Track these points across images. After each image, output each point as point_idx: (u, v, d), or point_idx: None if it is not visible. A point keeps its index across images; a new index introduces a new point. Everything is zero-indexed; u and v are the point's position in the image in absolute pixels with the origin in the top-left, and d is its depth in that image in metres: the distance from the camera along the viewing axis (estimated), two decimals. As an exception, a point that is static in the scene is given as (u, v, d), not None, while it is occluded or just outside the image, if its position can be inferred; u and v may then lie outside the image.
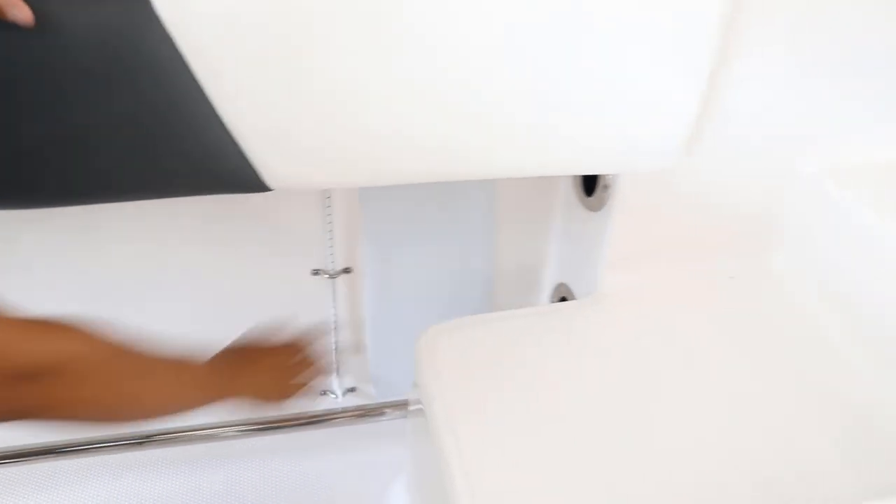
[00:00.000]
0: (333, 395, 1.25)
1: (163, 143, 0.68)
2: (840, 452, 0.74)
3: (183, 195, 0.79)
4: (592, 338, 0.88)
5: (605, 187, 0.90)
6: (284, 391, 0.79)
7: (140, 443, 1.11)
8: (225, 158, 0.69)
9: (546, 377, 0.82)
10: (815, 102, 0.84)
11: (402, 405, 1.15)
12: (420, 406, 0.83)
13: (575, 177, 1.00)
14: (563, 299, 1.06)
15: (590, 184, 0.95)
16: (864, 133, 0.89)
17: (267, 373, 0.77)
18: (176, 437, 1.13)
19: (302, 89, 0.66)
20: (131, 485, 1.24)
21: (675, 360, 0.85)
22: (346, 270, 1.10)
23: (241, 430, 1.15)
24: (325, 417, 1.18)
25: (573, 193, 1.01)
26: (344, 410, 1.19)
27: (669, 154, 0.77)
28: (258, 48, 0.63)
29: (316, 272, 1.09)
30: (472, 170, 0.77)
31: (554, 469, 0.72)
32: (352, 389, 1.26)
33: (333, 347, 1.18)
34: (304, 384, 0.81)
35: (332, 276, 1.09)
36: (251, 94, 0.66)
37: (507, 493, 0.70)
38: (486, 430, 0.75)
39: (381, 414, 1.17)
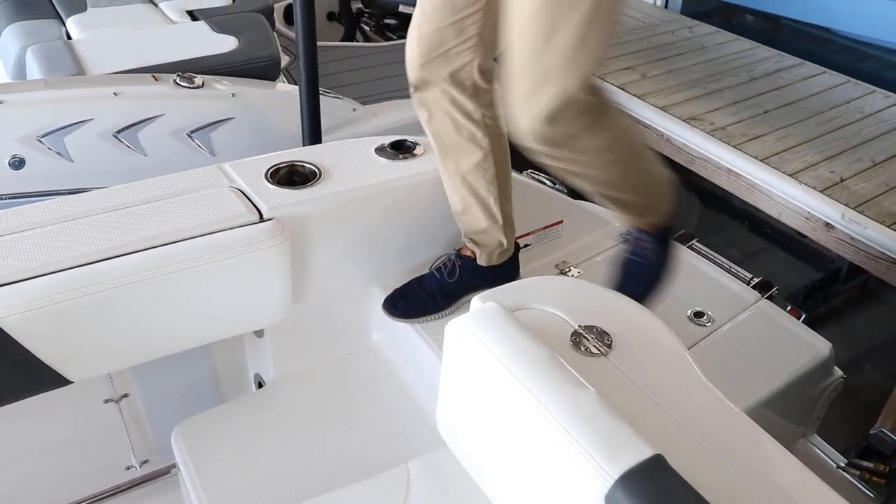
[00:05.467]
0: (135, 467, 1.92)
1: (10, 378, 1.39)
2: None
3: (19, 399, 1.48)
4: (275, 415, 1.66)
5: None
6: None
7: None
8: (48, 378, 1.40)
9: (251, 444, 1.59)
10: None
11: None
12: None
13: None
14: (260, 384, 1.83)
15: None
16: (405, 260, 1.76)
17: None
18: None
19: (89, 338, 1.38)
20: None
21: (318, 412, 1.66)
22: (125, 395, 1.79)
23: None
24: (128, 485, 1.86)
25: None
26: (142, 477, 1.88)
27: (278, 316, 1.59)
28: (67, 321, 1.35)
29: (107, 401, 1.77)
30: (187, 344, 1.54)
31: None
32: (146, 461, 1.94)
33: (131, 447, 1.85)
34: None
35: (117, 401, 1.78)
36: (65, 347, 1.37)
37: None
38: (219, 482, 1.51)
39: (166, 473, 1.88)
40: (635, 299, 1.45)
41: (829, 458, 1.91)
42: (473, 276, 1.74)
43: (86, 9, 3.26)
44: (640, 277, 1.64)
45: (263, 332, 1.72)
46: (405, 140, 1.80)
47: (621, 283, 1.65)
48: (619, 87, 3.83)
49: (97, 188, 1.76)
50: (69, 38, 3.02)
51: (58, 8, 3.27)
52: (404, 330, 1.71)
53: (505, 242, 1.72)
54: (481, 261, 1.74)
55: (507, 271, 1.76)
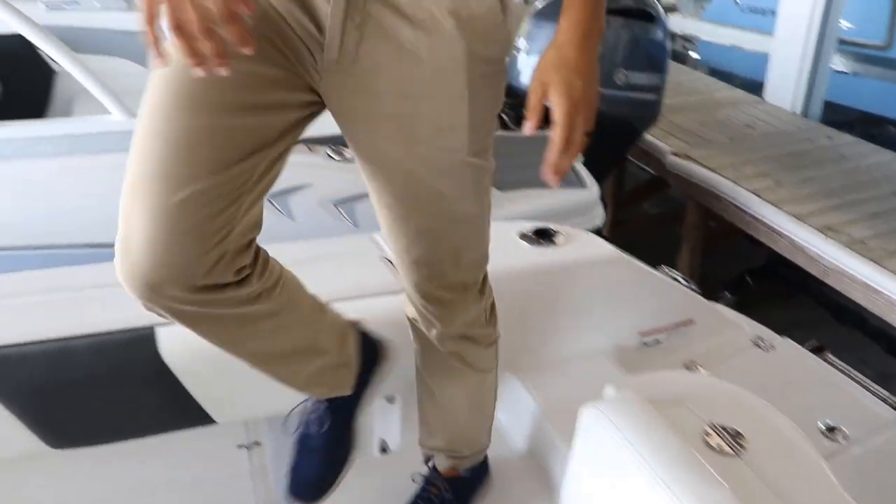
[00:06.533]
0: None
1: (162, 411, 1.49)
2: None
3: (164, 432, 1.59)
4: (398, 482, 1.69)
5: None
6: None
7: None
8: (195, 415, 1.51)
9: None
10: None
11: None
12: None
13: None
14: (384, 448, 1.89)
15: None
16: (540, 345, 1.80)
17: None
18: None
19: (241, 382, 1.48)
20: None
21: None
22: (257, 443, 1.88)
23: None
24: None
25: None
26: None
27: (412, 385, 1.65)
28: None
29: (240, 446, 1.86)
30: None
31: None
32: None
33: (253, 495, 1.92)
34: None
35: (248, 448, 1.87)
36: (218, 388, 1.47)
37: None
38: None
39: None
40: None
41: None
42: None
43: (250, 83, 3.54)
44: None
45: (395, 398, 1.78)
46: (548, 228, 1.87)
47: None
48: (752, 191, 3.80)
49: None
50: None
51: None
52: (529, 411, 1.74)
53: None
54: None
55: None
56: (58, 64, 3.54)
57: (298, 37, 1.05)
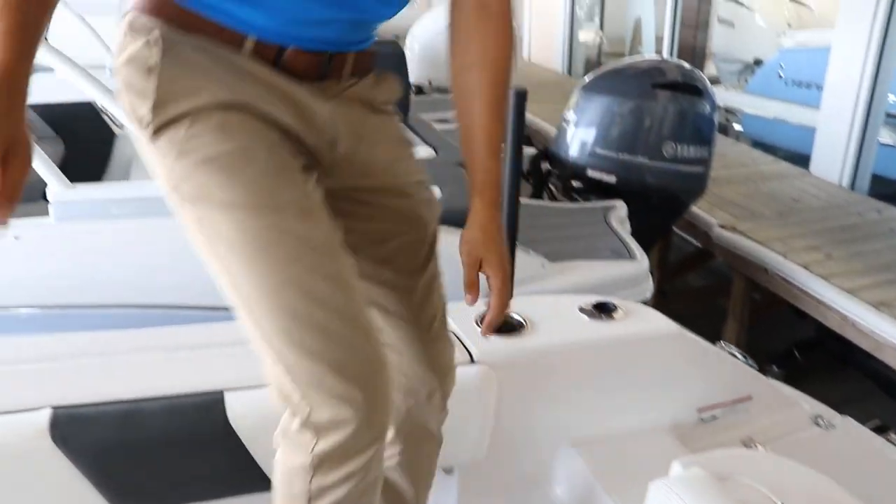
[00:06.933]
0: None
1: (226, 475, 1.51)
2: None
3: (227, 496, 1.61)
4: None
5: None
6: None
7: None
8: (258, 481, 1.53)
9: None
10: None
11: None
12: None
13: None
14: None
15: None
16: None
17: None
18: None
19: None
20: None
21: None
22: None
23: None
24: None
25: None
26: None
27: (472, 456, 1.66)
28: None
29: None
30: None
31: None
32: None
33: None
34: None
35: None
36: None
37: None
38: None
39: None
40: None
41: None
42: None
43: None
44: None
45: (453, 470, 1.79)
46: (608, 302, 1.89)
47: None
48: (801, 265, 3.77)
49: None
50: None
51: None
52: (588, 485, 1.73)
53: None
54: None
55: None
56: (119, 127, 3.68)
57: (309, 143, 1.16)
